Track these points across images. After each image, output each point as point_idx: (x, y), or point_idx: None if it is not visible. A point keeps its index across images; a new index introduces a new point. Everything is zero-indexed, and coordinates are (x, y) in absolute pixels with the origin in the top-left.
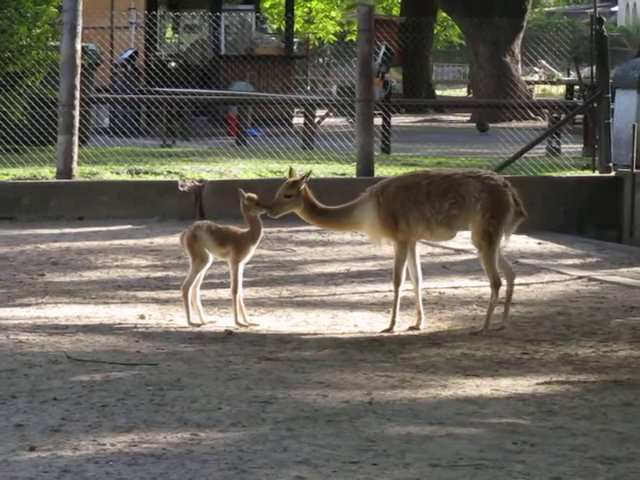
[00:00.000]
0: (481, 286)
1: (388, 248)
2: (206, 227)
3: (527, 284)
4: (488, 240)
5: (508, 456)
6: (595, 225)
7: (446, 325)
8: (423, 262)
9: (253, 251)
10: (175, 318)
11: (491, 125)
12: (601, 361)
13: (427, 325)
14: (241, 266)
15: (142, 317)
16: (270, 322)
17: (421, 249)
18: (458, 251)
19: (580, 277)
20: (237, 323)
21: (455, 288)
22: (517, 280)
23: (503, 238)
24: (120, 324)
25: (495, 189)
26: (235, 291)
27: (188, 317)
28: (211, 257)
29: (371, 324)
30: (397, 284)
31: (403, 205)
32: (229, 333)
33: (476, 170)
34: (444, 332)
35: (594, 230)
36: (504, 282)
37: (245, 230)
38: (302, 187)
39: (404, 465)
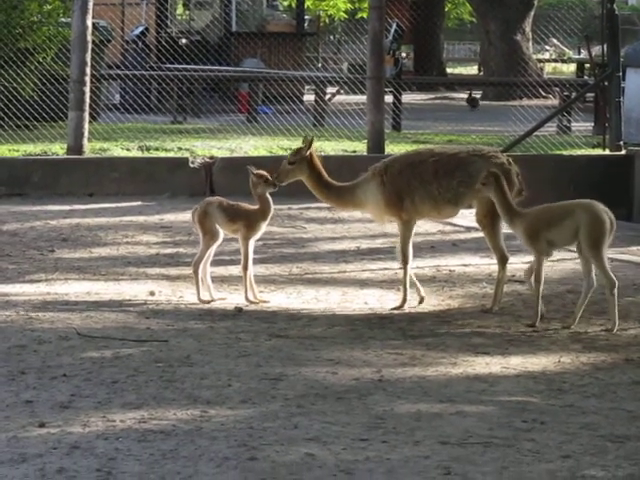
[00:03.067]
0: (491, 264)
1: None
2: (217, 203)
3: None
4: (493, 219)
5: (518, 434)
6: (605, 203)
7: (456, 303)
8: (434, 240)
9: (264, 228)
10: (185, 295)
11: (502, 103)
12: (611, 339)
13: (437, 302)
14: (251, 243)
15: (152, 294)
16: (280, 299)
17: (431, 227)
18: (468, 229)
19: None
20: (247, 300)
21: (465, 266)
22: (528, 258)
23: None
24: (130, 301)
25: (502, 168)
26: (245, 268)
27: (198, 294)
28: (222, 234)
29: (381, 301)
30: (405, 262)
31: (409, 184)
32: (239, 310)
33: (480, 148)
34: (454, 310)
35: None
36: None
37: (255, 207)
38: (306, 154)
39: (414, 443)
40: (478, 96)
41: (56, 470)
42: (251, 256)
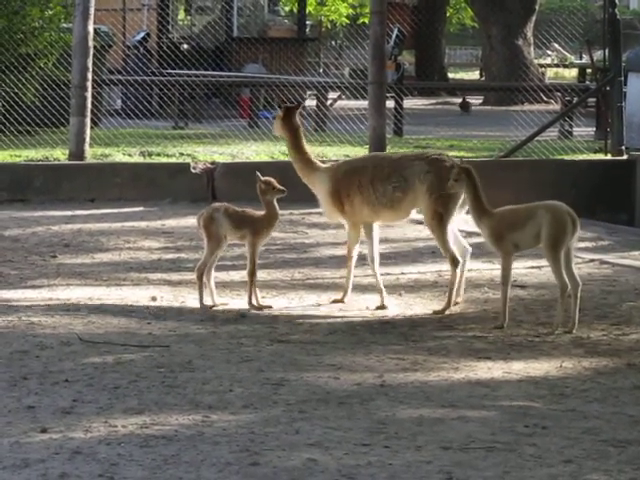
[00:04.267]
0: (493, 269)
1: (400, 231)
2: (223, 209)
3: (539, 267)
4: (438, 220)
5: (520, 439)
6: (607, 208)
7: (458, 308)
8: (435, 245)
9: (270, 234)
10: (187, 300)
11: (503, 108)
12: (613, 344)
13: (439, 308)
14: (258, 249)
15: (154, 299)
16: (282, 304)
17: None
18: (470, 234)
19: (592, 260)
20: (250, 305)
21: (467, 271)
22: (529, 263)
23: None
24: (132, 306)
25: (441, 170)
26: (251, 273)
27: (201, 299)
28: (226, 240)
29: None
30: (349, 259)
31: (348, 188)
32: (242, 315)
33: (425, 152)
34: (456, 315)
35: (606, 213)
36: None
37: (262, 213)
38: (281, 113)
39: (416, 448)
40: (474, 101)
41: (58, 475)
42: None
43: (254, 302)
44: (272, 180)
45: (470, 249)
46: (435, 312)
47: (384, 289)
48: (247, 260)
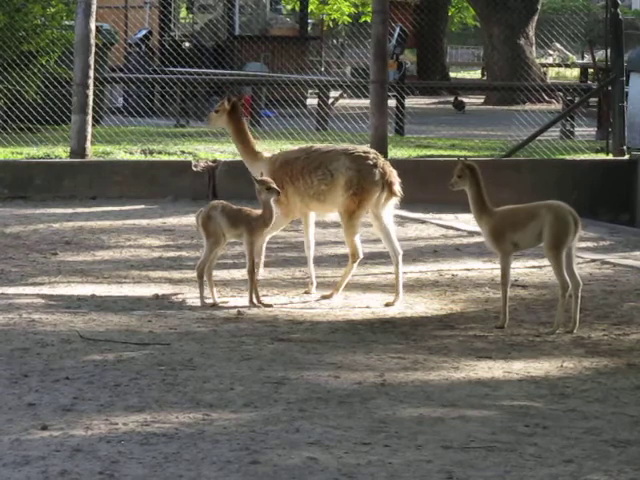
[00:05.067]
0: (494, 268)
1: (401, 230)
2: (221, 207)
3: (540, 267)
4: (348, 216)
5: (520, 438)
6: (608, 208)
7: (459, 307)
8: (437, 244)
9: (267, 231)
10: (188, 298)
11: (505, 108)
12: (614, 344)
13: (440, 307)
14: (255, 247)
15: (155, 297)
16: (283, 303)
17: (434, 231)
18: (471, 233)
19: (593, 260)
20: (251, 303)
21: (468, 270)
22: (531, 263)
23: (378, 216)
24: (133, 304)
25: (362, 167)
26: (251, 271)
27: (202, 297)
28: (225, 237)
29: (383, 306)
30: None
31: (282, 180)
32: (239, 313)
33: (354, 148)
34: (457, 314)
35: (607, 213)
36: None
37: (258, 212)
38: (227, 106)
39: (416, 447)
40: (475, 100)
41: (59, 473)
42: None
43: (255, 300)
44: (267, 180)
45: (401, 252)
46: (324, 296)
47: (314, 276)
48: (246, 258)
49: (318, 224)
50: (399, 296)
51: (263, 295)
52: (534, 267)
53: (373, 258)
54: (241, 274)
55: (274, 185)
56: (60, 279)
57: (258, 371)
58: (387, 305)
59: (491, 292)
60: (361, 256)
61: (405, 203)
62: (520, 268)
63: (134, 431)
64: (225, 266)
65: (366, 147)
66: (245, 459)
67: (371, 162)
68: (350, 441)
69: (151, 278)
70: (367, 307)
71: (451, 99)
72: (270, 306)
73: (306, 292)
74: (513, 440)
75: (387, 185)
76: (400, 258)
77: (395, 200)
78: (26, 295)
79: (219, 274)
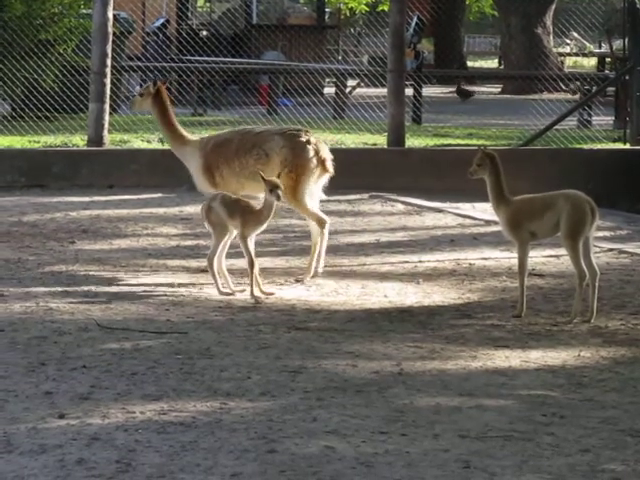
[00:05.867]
0: (511, 257)
1: (419, 219)
2: (219, 198)
3: (557, 256)
4: (292, 194)
5: (537, 428)
6: (625, 197)
7: (476, 296)
8: (454, 233)
9: (258, 230)
10: (205, 287)
11: (522, 97)
12: (631, 334)
13: (457, 296)
14: (250, 239)
15: (172, 285)
16: (300, 292)
17: (451, 220)
18: (488, 222)
19: (610, 250)
20: (252, 295)
21: (485, 259)
22: (548, 252)
23: (308, 191)
24: (150, 292)
25: (296, 145)
26: (250, 264)
27: (217, 287)
28: (229, 227)
29: (401, 294)
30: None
31: (217, 161)
32: (256, 302)
33: (286, 127)
34: (474, 303)
35: (625, 203)
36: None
37: (256, 208)
38: (153, 90)
39: (433, 436)
40: (493, 89)
41: (76, 461)
42: (252, 249)
43: (256, 292)
44: (274, 181)
45: (328, 221)
46: (297, 280)
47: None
48: (243, 251)
49: (335, 213)
50: (310, 271)
51: (280, 284)
52: (551, 256)
53: (390, 247)
54: (259, 263)
55: (280, 188)
56: (77, 268)
57: (275, 360)
58: (297, 281)
59: (508, 281)
60: (327, 220)
61: (422, 192)
62: (537, 257)
63: (151, 420)
64: (242, 255)
65: (293, 126)
66: (262, 448)
67: (304, 140)
68: (367, 430)
69: (168, 267)
70: (384, 296)
71: (468, 88)
72: (271, 294)
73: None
74: (530, 429)
75: (320, 162)
76: (327, 228)
77: (327, 176)
78: (43, 284)
79: (236, 263)
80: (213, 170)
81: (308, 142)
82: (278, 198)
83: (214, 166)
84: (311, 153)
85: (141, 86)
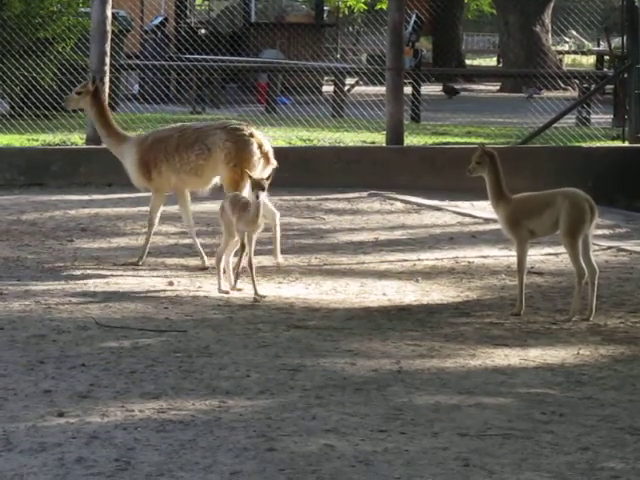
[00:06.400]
0: (510, 255)
1: (417, 217)
2: (230, 198)
3: (556, 254)
4: (234, 187)
5: (537, 426)
6: (624, 195)
7: (475, 294)
8: (453, 231)
9: (255, 228)
10: (204, 285)
11: (521, 95)
12: (630, 332)
13: (456, 294)
14: (246, 235)
15: (171, 284)
16: (299, 290)
17: (450, 218)
18: (487, 220)
19: (609, 247)
20: (257, 294)
21: (484, 257)
22: (547, 250)
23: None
24: (149, 291)
25: (239, 139)
26: (249, 263)
27: (219, 284)
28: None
29: (400, 293)
30: (150, 226)
31: (156, 157)
32: (255, 300)
33: (226, 121)
34: (473, 301)
35: (623, 200)
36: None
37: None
38: (92, 88)
39: (432, 434)
40: (491, 88)
41: (75, 459)
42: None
43: (224, 287)
44: (257, 180)
45: (278, 213)
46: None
47: (203, 251)
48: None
49: (333, 211)
50: (277, 257)
51: (279, 282)
52: (550, 254)
53: (389, 245)
54: (256, 261)
55: (260, 188)
56: (76, 266)
57: (274, 358)
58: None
59: (507, 279)
60: (277, 212)
61: (421, 190)
62: (536, 255)
63: (150, 418)
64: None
65: (234, 121)
66: (261, 446)
67: (247, 133)
68: (366, 428)
69: (167, 265)
70: (383, 294)
71: (467, 86)
72: (240, 290)
73: (202, 268)
74: (529, 428)
75: (264, 154)
76: (278, 218)
77: (270, 168)
78: (42, 282)
79: (234, 260)
80: (150, 166)
81: (251, 135)
82: (257, 197)
83: (152, 162)
84: (255, 146)
85: (140, 84)
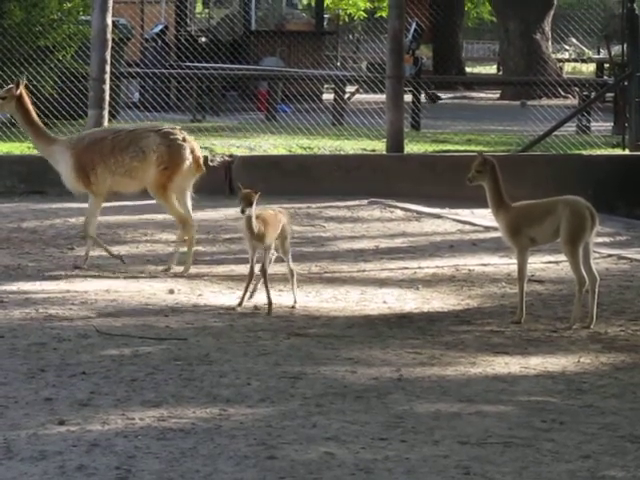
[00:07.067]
0: (510, 263)
1: (417, 225)
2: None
3: (556, 262)
4: (161, 189)
5: (537, 434)
6: (625, 203)
7: (475, 302)
8: (453, 239)
9: (252, 240)
10: (204, 293)
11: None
12: (630, 340)
13: (456, 302)
14: (252, 250)
15: (171, 292)
16: (299, 298)
17: (450, 226)
18: (487, 228)
19: (610, 255)
20: (269, 301)
21: (484, 265)
22: (547, 258)
23: (185, 189)
24: (149, 299)
25: (172, 143)
26: (262, 271)
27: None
28: (267, 240)
29: (400, 301)
30: (87, 234)
31: (92, 160)
32: (256, 308)
33: (159, 124)
34: (473, 309)
35: (624, 208)
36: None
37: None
38: (16, 92)
39: (433, 442)
40: (491, 95)
41: (76, 467)
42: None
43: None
44: (246, 194)
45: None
46: (164, 269)
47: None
48: None
49: (334, 219)
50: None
51: (279, 290)
52: (551, 262)
53: (390, 253)
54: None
55: (246, 203)
56: (77, 274)
57: (275, 366)
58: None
59: (508, 287)
60: (195, 225)
61: (421, 198)
62: (537, 263)
63: (151, 426)
64: (242, 261)
65: (166, 124)
66: (262, 454)
67: (180, 138)
68: (367, 436)
69: (167, 273)
70: (384, 302)
71: (467, 94)
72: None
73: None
74: (530, 436)
75: (195, 160)
76: (191, 229)
77: (199, 174)
78: (43, 290)
79: (235, 269)
80: (87, 169)
81: (184, 140)
82: (242, 212)
83: (88, 165)
84: (187, 151)
85: (140, 92)
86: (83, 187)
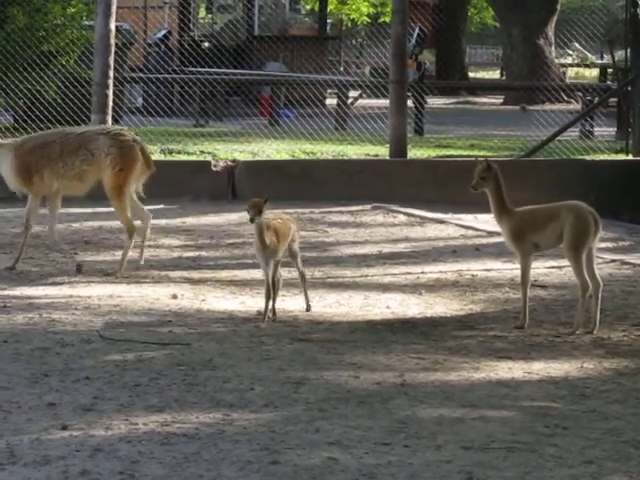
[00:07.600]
0: (514, 268)
1: (420, 230)
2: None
3: (560, 267)
4: (118, 191)
5: (540, 439)
6: (628, 208)
7: (478, 307)
8: (456, 244)
9: (261, 249)
10: (207, 298)
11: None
12: (634, 345)
13: (459, 307)
14: (263, 259)
15: (174, 297)
16: (302, 303)
17: (454, 231)
18: (491, 233)
19: (613, 261)
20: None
21: (487, 270)
22: (550, 263)
23: (132, 188)
24: (152, 304)
25: (124, 144)
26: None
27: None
28: (280, 252)
29: (403, 306)
30: (27, 229)
31: (37, 162)
32: (259, 313)
33: (107, 127)
34: (476, 314)
35: (627, 213)
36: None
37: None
38: None
39: (436, 447)
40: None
41: (79, 472)
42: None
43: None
44: (251, 202)
45: (151, 215)
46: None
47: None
48: None
49: (337, 224)
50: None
51: (283, 295)
52: (554, 267)
53: (392, 258)
54: (261, 274)
55: (252, 211)
56: (80, 279)
57: (278, 371)
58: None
59: (511, 292)
60: (138, 237)
61: (424, 203)
62: (540, 268)
63: (154, 431)
64: (245, 266)
65: (113, 126)
66: (265, 459)
67: (130, 138)
68: (370, 441)
69: (170, 278)
70: (387, 307)
71: (470, 99)
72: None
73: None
74: (533, 441)
75: (145, 159)
76: (149, 221)
77: (150, 172)
78: (46, 295)
79: (238, 274)
80: (32, 171)
81: (134, 140)
82: (251, 221)
83: (33, 168)
84: (138, 151)
85: (143, 97)
86: (25, 188)
